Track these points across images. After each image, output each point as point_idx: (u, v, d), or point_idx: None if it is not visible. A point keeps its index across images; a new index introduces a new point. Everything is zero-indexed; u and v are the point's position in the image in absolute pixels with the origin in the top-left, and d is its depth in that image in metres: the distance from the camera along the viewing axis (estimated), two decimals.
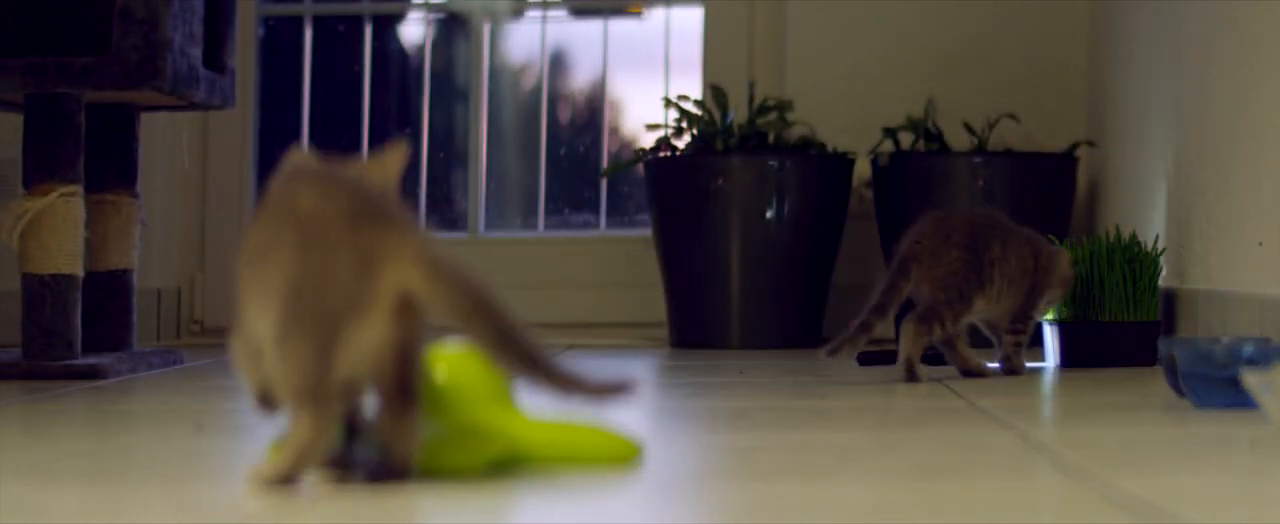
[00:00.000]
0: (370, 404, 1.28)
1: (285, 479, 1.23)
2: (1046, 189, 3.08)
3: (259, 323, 1.25)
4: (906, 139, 3.30)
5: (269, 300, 1.23)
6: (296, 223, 1.23)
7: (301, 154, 1.34)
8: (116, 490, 1.29)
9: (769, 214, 3.10)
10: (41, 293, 2.41)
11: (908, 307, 2.25)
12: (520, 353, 1.22)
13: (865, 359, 2.63)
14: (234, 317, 1.28)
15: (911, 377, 2.20)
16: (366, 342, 1.22)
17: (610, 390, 1.25)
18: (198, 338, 3.51)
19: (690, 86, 3.57)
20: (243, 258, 1.27)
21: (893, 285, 2.21)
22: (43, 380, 2.33)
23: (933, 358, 2.59)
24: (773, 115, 3.20)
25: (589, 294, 3.54)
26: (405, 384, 1.25)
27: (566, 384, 1.23)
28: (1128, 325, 2.48)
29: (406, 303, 1.22)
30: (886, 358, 2.62)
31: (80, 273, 2.44)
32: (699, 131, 3.19)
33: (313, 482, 1.26)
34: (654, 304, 3.40)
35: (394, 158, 1.34)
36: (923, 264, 2.21)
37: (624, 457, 1.38)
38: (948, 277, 2.21)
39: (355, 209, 1.23)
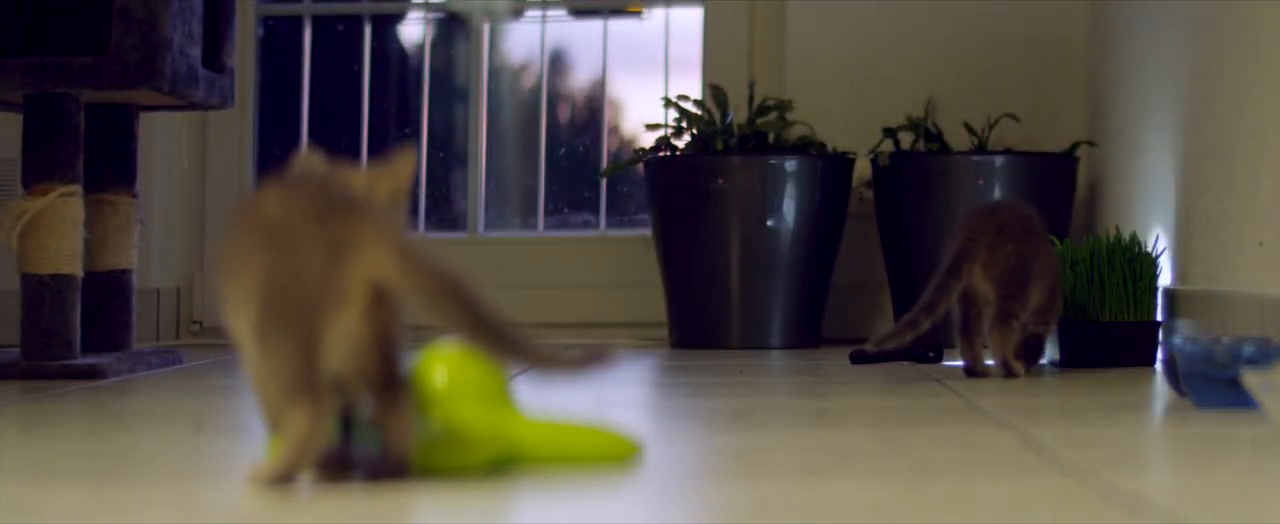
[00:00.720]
0: (364, 400, 1.28)
1: (285, 476, 1.22)
2: (1046, 189, 3.08)
3: (238, 328, 1.25)
4: (906, 139, 3.30)
5: (244, 306, 1.24)
6: (263, 228, 1.24)
7: (308, 158, 1.35)
8: (115, 490, 1.29)
9: (769, 214, 3.10)
10: (41, 293, 2.40)
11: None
12: (495, 334, 1.22)
13: (860, 358, 2.63)
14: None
15: (1010, 373, 2.23)
16: (345, 333, 1.22)
17: (588, 361, 1.24)
18: (197, 338, 3.51)
19: (690, 86, 3.57)
20: (219, 272, 1.28)
21: (944, 285, 2.20)
22: (42, 380, 2.33)
23: (926, 355, 2.59)
24: (773, 115, 3.20)
25: (589, 294, 3.54)
26: (391, 375, 1.25)
27: (545, 361, 1.23)
28: (1128, 325, 2.48)
29: (380, 292, 1.22)
30: (882, 357, 2.63)
31: (79, 273, 2.44)
32: (699, 131, 3.19)
33: (311, 481, 1.26)
34: (654, 304, 3.40)
35: (403, 165, 1.35)
36: (978, 261, 2.21)
37: (624, 457, 1.38)
38: (1007, 272, 2.22)
39: (320, 205, 1.23)
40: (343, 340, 1.23)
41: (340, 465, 1.29)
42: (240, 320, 1.25)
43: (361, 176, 1.36)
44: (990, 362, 2.28)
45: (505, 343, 1.22)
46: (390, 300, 1.23)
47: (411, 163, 1.36)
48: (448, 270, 1.22)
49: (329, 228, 1.22)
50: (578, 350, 1.25)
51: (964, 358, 2.27)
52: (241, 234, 1.26)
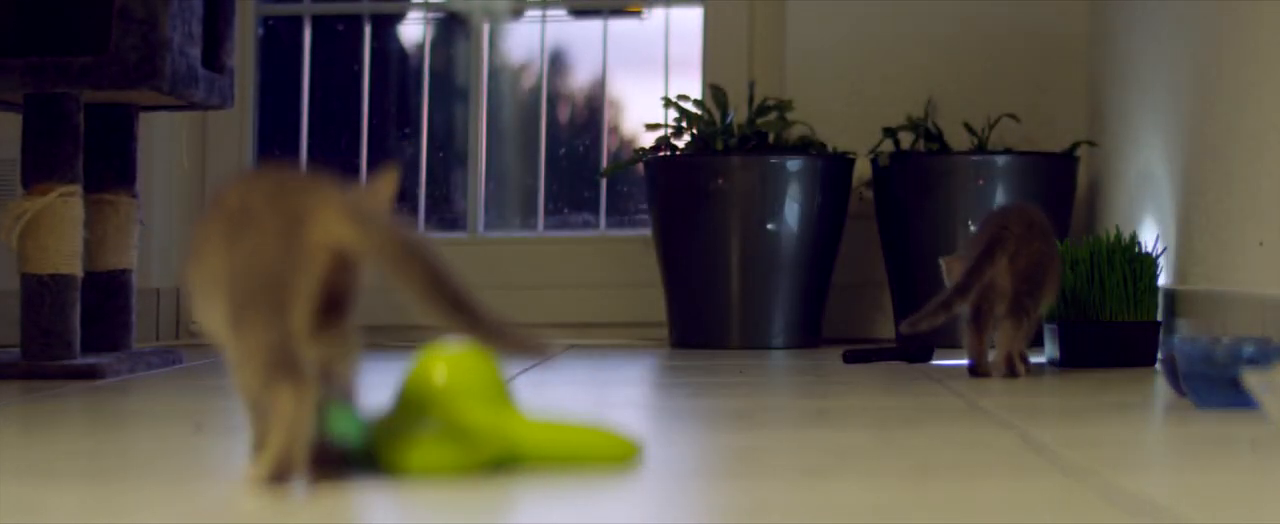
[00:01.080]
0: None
1: (283, 463, 1.22)
2: (1046, 189, 3.08)
3: (210, 318, 1.26)
4: (906, 139, 3.30)
5: (213, 294, 1.25)
6: (225, 216, 1.25)
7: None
8: (115, 490, 1.28)
9: (769, 214, 3.10)
10: (40, 293, 2.40)
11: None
12: (450, 297, 1.22)
13: (852, 357, 2.64)
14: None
15: (1012, 372, 2.24)
16: (311, 296, 1.23)
17: (531, 345, 1.24)
18: (196, 338, 3.51)
19: (690, 86, 3.57)
20: (187, 266, 1.30)
21: (977, 268, 2.21)
22: (41, 380, 2.33)
23: (916, 354, 2.59)
24: (773, 115, 3.20)
25: (589, 294, 3.54)
26: (339, 309, 1.25)
27: (493, 333, 1.23)
28: (1128, 325, 2.48)
29: (342, 258, 1.23)
30: (875, 356, 2.63)
31: (79, 273, 2.44)
32: (699, 131, 3.19)
33: (310, 481, 1.26)
34: (654, 304, 3.40)
35: (385, 184, 1.36)
36: (1009, 250, 2.22)
37: (624, 457, 1.38)
38: (1028, 268, 2.23)
39: (276, 186, 1.25)
40: (312, 303, 1.23)
41: (335, 461, 1.29)
42: (211, 311, 1.26)
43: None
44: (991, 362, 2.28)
45: (459, 308, 1.22)
46: (352, 265, 1.24)
47: (393, 181, 1.37)
48: (406, 232, 1.23)
49: (284, 202, 1.23)
50: (524, 332, 1.24)
51: (970, 354, 2.27)
52: (205, 227, 1.27)
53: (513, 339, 1.23)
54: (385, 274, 1.22)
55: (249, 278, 1.22)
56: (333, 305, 1.25)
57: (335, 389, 1.29)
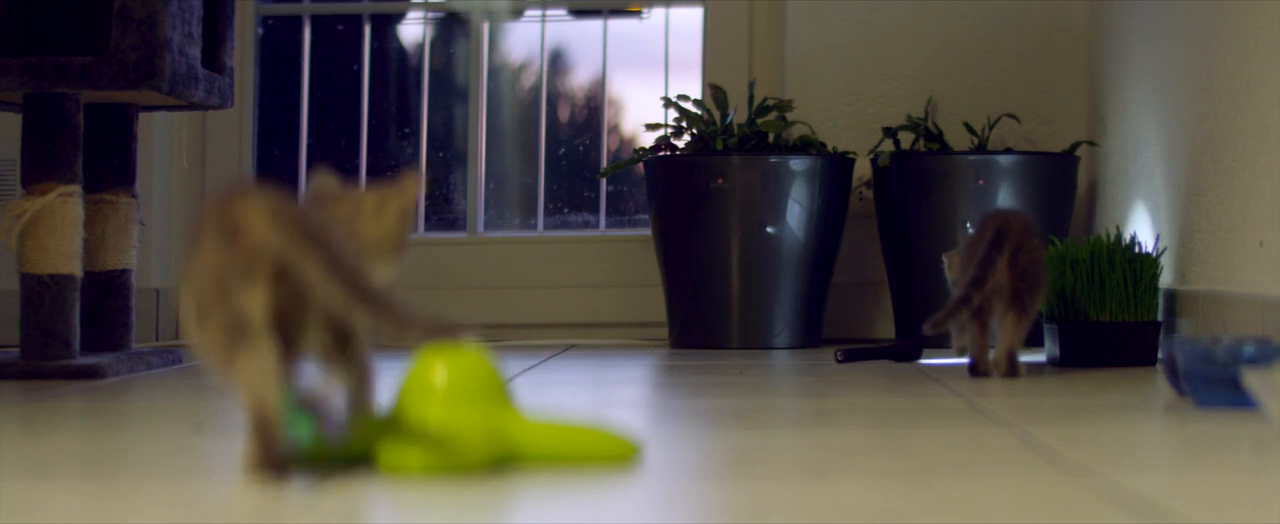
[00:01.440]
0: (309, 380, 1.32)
1: (261, 427, 1.24)
2: (1046, 189, 3.08)
3: (189, 329, 1.30)
4: (906, 139, 3.30)
5: (185, 303, 1.29)
6: (191, 237, 1.30)
7: (323, 179, 1.41)
8: (114, 490, 1.28)
9: (769, 214, 3.10)
10: (40, 293, 2.40)
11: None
12: (350, 286, 1.24)
13: (849, 356, 2.64)
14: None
15: (1013, 369, 2.23)
16: (261, 302, 1.26)
17: (437, 328, 1.26)
18: None
19: (690, 86, 3.57)
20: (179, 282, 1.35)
21: (988, 257, 2.21)
22: (41, 380, 2.33)
23: (906, 353, 2.59)
24: (773, 115, 3.20)
25: (589, 294, 3.54)
26: (290, 341, 1.29)
27: (396, 319, 1.25)
28: (1128, 325, 2.48)
29: (282, 267, 1.26)
30: (870, 355, 2.64)
31: (78, 273, 2.44)
32: (699, 131, 3.19)
33: (307, 479, 1.26)
34: (654, 304, 3.39)
35: (410, 185, 1.39)
36: (1013, 244, 2.22)
37: (623, 456, 1.38)
38: (1029, 266, 2.23)
39: (221, 203, 1.28)
40: (265, 313, 1.26)
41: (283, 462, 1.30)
42: (186, 321, 1.30)
43: (370, 195, 1.40)
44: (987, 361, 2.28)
45: (360, 296, 1.24)
46: (291, 276, 1.27)
47: (419, 183, 1.40)
48: (313, 224, 1.26)
49: (223, 216, 1.27)
50: (431, 317, 1.26)
51: (971, 351, 2.26)
52: (186, 247, 1.31)
53: (419, 325, 1.25)
54: (292, 262, 1.25)
55: (201, 285, 1.26)
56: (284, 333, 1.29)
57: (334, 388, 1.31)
